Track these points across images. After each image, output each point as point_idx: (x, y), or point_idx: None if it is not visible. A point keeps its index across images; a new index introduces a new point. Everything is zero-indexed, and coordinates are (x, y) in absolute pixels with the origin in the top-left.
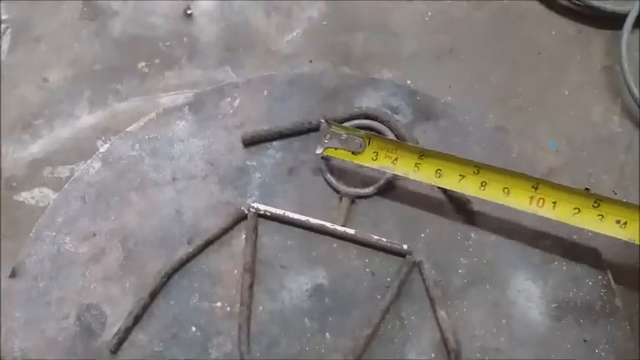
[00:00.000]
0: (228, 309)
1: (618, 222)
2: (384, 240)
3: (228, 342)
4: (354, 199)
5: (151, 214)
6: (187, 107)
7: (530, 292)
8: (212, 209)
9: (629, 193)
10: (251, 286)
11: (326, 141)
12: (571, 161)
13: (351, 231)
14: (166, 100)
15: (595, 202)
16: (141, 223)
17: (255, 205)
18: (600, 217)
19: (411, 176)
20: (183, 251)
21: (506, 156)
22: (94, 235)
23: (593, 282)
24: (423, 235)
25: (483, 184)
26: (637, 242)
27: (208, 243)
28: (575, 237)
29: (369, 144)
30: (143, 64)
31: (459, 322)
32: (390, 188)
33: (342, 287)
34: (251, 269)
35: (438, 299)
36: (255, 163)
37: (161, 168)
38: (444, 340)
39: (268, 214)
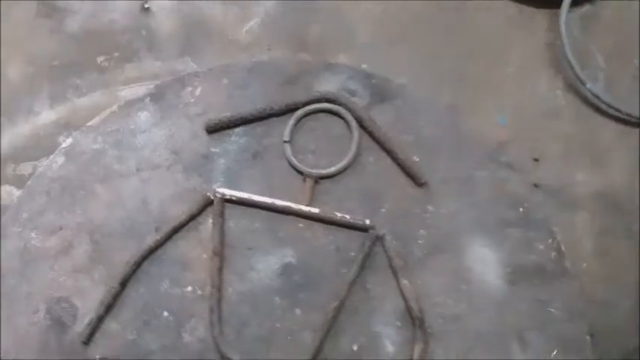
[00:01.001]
0: (199, 292)
1: None
2: (347, 217)
3: (201, 325)
4: (318, 179)
5: (117, 206)
6: (148, 98)
7: (486, 258)
8: (178, 197)
9: (575, 162)
10: (220, 269)
11: None
12: (519, 134)
13: (315, 210)
14: (127, 92)
15: None
16: (107, 214)
17: (221, 190)
18: None
19: None
20: (151, 239)
21: (458, 132)
22: (61, 228)
23: (544, 246)
24: (383, 210)
25: None
26: None
27: (176, 230)
28: (526, 204)
29: None
30: (102, 58)
31: (421, 291)
32: (353, 167)
33: (310, 264)
34: (219, 253)
35: (401, 269)
36: (219, 150)
37: (125, 159)
38: (408, 309)
39: (234, 198)
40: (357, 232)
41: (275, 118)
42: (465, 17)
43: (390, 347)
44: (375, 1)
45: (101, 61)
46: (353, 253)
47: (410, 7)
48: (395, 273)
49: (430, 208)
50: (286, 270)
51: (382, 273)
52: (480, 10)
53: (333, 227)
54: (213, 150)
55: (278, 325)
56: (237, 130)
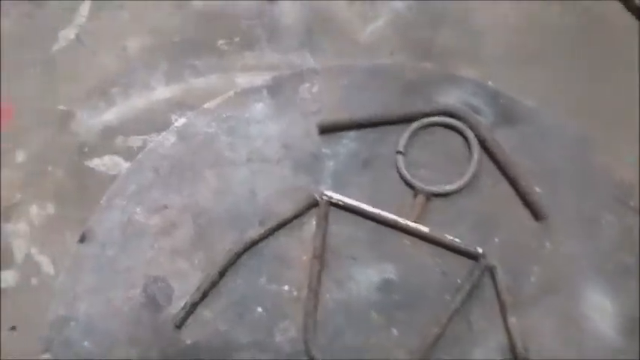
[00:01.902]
0: (295, 293)
1: None
2: (458, 241)
3: (293, 327)
4: (430, 196)
5: (224, 193)
6: (266, 89)
7: (603, 306)
8: (284, 193)
9: None
10: (319, 273)
11: None
12: None
13: (424, 229)
14: (243, 80)
15: None
16: (214, 200)
17: (328, 193)
18: None
19: None
20: (254, 232)
21: (586, 167)
22: (166, 207)
23: None
24: (497, 239)
25: None
26: None
27: (280, 226)
28: None
29: None
30: (222, 41)
31: (528, 330)
32: (468, 188)
33: (411, 284)
34: (320, 256)
35: (509, 305)
36: (329, 151)
37: (237, 147)
38: (512, 346)
39: (341, 203)
40: (465, 259)
41: (390, 126)
42: (609, 44)
43: None
44: (508, 15)
45: (221, 45)
46: (459, 280)
47: (548, 26)
48: (503, 308)
49: (547, 244)
50: (386, 286)
51: (488, 306)
52: (626, 40)
53: (441, 249)
54: (323, 151)
55: (372, 341)
56: (350, 133)
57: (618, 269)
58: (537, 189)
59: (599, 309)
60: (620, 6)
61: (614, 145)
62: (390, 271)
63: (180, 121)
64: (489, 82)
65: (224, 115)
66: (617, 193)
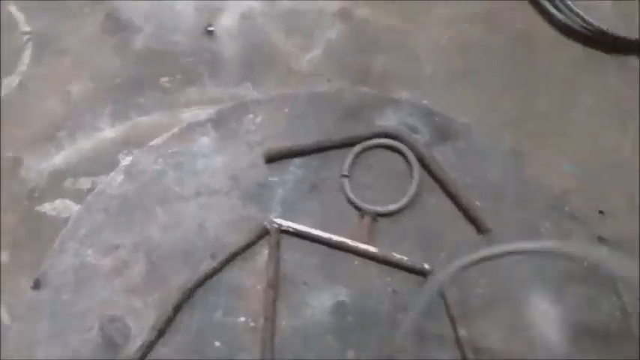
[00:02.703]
0: (252, 324)
1: None
2: (406, 259)
3: (252, 358)
4: (376, 217)
5: (175, 228)
6: (210, 123)
7: (547, 313)
8: (235, 224)
9: None
10: (274, 301)
11: None
12: (585, 184)
13: (373, 249)
14: (188, 115)
15: None
16: (164, 236)
17: (278, 220)
18: None
19: None
20: (206, 266)
21: (521, 178)
22: (118, 247)
23: (609, 305)
24: (443, 254)
25: None
26: None
27: (232, 258)
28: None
29: None
30: (165, 79)
31: (479, 343)
32: (412, 206)
33: (364, 305)
34: (274, 285)
35: (459, 318)
36: (277, 179)
37: (185, 182)
38: (464, 359)
39: (291, 230)
40: (414, 276)
41: (333, 151)
42: (533, 58)
43: None
44: (438, 38)
45: (164, 82)
46: (410, 297)
47: (475, 46)
48: (453, 322)
49: None
50: (339, 309)
51: (439, 321)
52: (549, 53)
53: (390, 268)
54: (270, 179)
55: None
56: (295, 160)
57: (559, 275)
58: (478, 203)
59: (545, 315)
60: (541, 21)
61: (547, 155)
62: (342, 294)
63: (126, 160)
64: (424, 102)
65: (170, 151)
66: (553, 201)
